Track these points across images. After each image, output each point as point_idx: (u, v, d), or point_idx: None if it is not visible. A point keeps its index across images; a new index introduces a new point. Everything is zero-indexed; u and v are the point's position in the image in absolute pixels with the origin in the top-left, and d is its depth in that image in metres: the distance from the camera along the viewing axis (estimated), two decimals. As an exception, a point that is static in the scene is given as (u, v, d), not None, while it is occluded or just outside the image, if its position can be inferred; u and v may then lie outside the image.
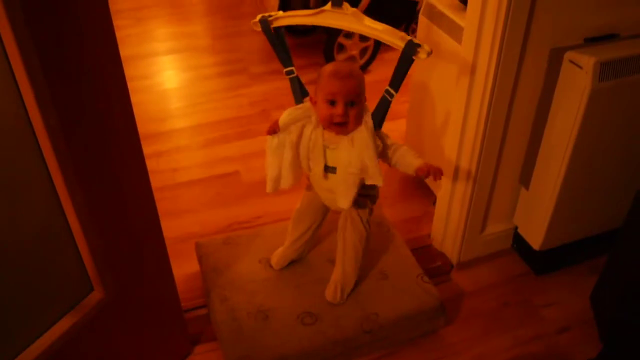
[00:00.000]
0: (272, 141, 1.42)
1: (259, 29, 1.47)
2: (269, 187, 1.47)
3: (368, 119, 1.36)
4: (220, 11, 3.86)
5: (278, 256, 1.67)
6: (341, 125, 1.34)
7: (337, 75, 1.33)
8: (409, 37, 1.33)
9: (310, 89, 1.47)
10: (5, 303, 1.06)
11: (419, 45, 1.31)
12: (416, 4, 3.09)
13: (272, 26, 1.46)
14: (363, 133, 1.34)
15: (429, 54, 1.31)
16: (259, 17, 1.47)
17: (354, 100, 1.33)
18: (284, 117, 1.40)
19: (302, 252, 1.68)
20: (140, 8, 3.89)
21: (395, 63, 1.36)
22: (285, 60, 1.47)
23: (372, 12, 2.88)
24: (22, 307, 1.10)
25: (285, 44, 1.49)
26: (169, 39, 3.52)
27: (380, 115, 1.39)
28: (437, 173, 1.34)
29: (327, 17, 1.42)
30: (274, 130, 1.40)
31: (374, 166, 1.35)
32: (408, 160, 1.39)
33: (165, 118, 2.67)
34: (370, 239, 1.56)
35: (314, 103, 1.39)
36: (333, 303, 1.57)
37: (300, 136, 1.40)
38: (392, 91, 1.37)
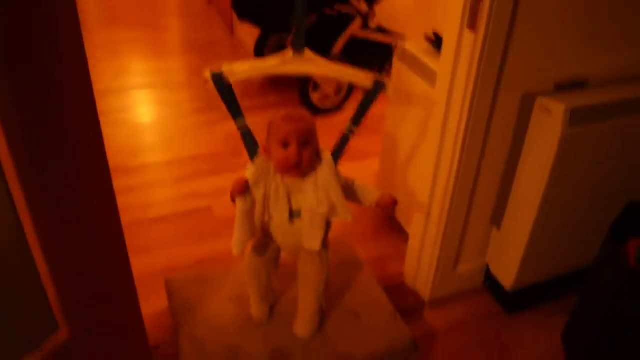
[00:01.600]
0: (244, 204, 1.35)
1: (209, 84, 1.38)
2: (237, 250, 1.41)
3: (328, 157, 1.37)
4: (197, 50, 3.90)
5: (257, 314, 1.60)
6: (297, 167, 1.33)
7: (289, 118, 1.33)
8: (374, 76, 1.41)
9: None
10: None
11: (383, 85, 1.40)
12: (391, 47, 3.15)
13: (229, 81, 1.38)
14: (325, 171, 1.35)
15: (393, 91, 1.41)
16: (207, 72, 1.37)
17: (307, 140, 1.32)
18: (251, 174, 1.35)
19: (273, 296, 1.64)
20: (116, 42, 3.91)
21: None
22: (237, 113, 1.42)
23: (347, 54, 2.94)
24: (-17, 345, 1.06)
25: (234, 95, 1.40)
26: (145, 74, 3.52)
27: (340, 151, 1.44)
28: (395, 203, 1.41)
29: (290, 66, 1.41)
30: (243, 190, 1.34)
31: (341, 203, 1.36)
32: (367, 193, 1.43)
33: (137, 152, 2.65)
34: (328, 270, 1.52)
35: (267, 152, 1.37)
36: (303, 338, 1.55)
37: (266, 190, 1.37)
38: (353, 128, 1.43)
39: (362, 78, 1.41)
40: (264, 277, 1.57)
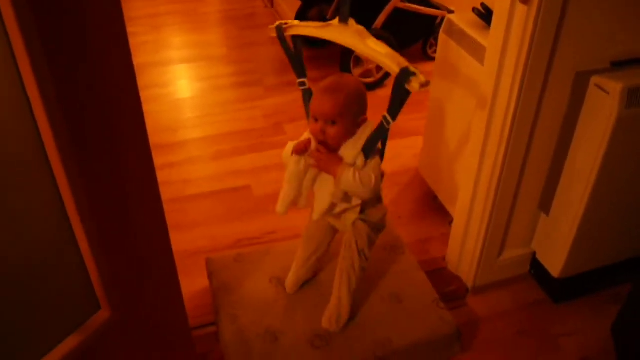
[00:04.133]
0: (299, 163, 1.34)
1: (275, 35, 1.45)
2: (281, 208, 1.39)
3: (357, 157, 1.32)
4: (236, 21, 3.85)
5: (290, 280, 1.63)
6: (323, 143, 1.33)
7: (325, 90, 1.32)
8: (406, 64, 1.24)
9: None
10: (10, 321, 1.03)
11: (413, 74, 1.21)
12: (435, 18, 3.06)
13: (286, 34, 1.43)
14: (349, 154, 1.32)
15: (423, 85, 1.21)
16: (276, 23, 1.45)
17: (335, 118, 1.29)
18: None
19: (314, 271, 1.64)
20: (155, 15, 3.90)
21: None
22: (299, 71, 1.45)
23: (390, 26, 2.86)
24: (27, 326, 1.07)
25: (301, 55, 1.45)
26: (184, 47, 3.51)
27: (373, 143, 1.32)
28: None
29: (332, 32, 1.37)
30: (302, 151, 1.33)
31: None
32: None
33: (177, 128, 2.65)
34: (365, 270, 1.51)
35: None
36: (329, 330, 1.53)
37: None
38: (389, 118, 1.28)
39: (389, 64, 1.27)
40: (312, 245, 1.58)
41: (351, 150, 1.32)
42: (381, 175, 1.37)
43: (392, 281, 1.67)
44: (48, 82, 0.89)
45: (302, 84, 1.45)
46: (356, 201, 1.37)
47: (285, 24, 1.43)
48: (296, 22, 1.43)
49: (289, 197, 1.38)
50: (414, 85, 1.21)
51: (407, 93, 1.24)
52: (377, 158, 1.35)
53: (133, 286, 1.26)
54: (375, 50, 1.31)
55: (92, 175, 1.04)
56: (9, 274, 0.99)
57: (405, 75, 1.22)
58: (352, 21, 1.36)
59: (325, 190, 1.37)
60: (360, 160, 1.31)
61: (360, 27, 1.36)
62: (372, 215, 1.43)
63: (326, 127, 1.30)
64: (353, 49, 1.37)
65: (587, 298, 1.79)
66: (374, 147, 1.33)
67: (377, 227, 1.46)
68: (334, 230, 1.55)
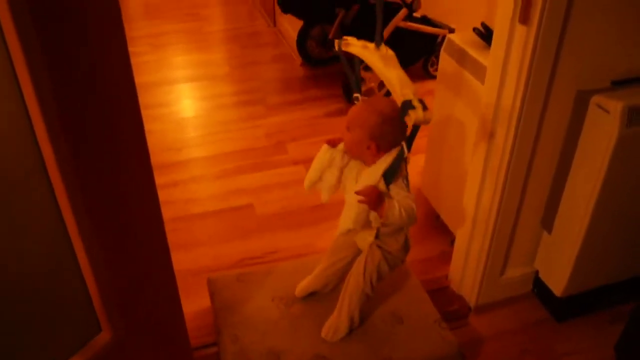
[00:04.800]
0: (324, 153, 1.43)
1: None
2: (305, 185, 1.48)
3: (377, 170, 1.34)
4: (239, 40, 3.88)
5: (302, 284, 1.66)
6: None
7: (361, 103, 1.41)
8: (410, 97, 1.24)
9: (332, 120, 1.46)
10: (10, 342, 1.02)
11: (411, 107, 1.23)
12: (436, 37, 3.08)
13: (340, 48, 1.47)
14: (368, 177, 1.34)
15: (422, 122, 1.22)
16: (337, 41, 1.50)
17: (350, 125, 1.36)
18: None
19: (326, 283, 1.64)
20: (158, 35, 3.93)
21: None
22: (355, 86, 1.48)
23: (392, 44, 2.87)
24: (28, 347, 1.07)
25: (355, 65, 1.50)
26: (187, 67, 3.54)
27: (392, 169, 1.33)
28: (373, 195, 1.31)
29: (370, 56, 1.41)
30: (335, 143, 1.42)
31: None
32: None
33: (181, 147, 2.66)
34: (369, 297, 1.52)
35: None
36: (325, 340, 1.55)
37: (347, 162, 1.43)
38: (404, 147, 1.31)
39: (397, 94, 1.29)
40: (336, 256, 1.59)
41: (371, 174, 1.35)
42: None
43: (394, 300, 1.66)
44: (49, 96, 0.89)
45: (356, 98, 1.46)
46: (375, 224, 1.40)
47: (345, 39, 1.47)
48: (350, 38, 1.47)
49: (311, 177, 1.46)
50: (410, 119, 1.23)
51: (416, 128, 1.27)
52: (402, 183, 1.35)
53: (134, 307, 1.25)
54: (388, 78, 1.34)
55: (92, 192, 1.04)
56: (8, 295, 0.99)
57: (405, 107, 1.25)
58: (384, 46, 1.41)
59: (351, 209, 1.39)
60: (381, 185, 1.33)
61: (390, 53, 1.39)
62: (388, 244, 1.44)
63: (345, 131, 1.37)
64: (376, 72, 1.41)
65: (590, 317, 1.78)
66: (394, 174, 1.33)
67: (392, 259, 1.46)
68: (359, 250, 1.55)
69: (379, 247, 1.44)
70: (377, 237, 1.44)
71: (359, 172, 1.40)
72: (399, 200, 1.30)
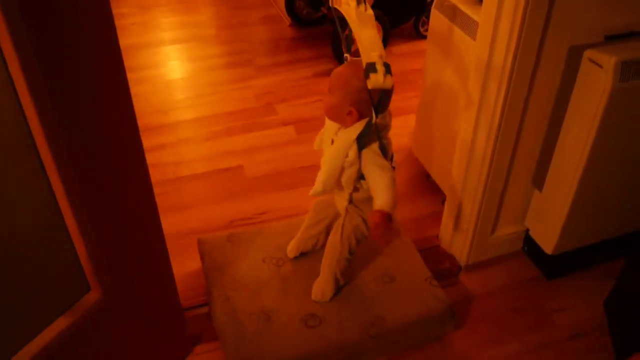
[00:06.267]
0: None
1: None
2: (315, 145, 1.51)
3: (350, 135, 1.32)
4: (226, 1, 3.80)
5: (291, 244, 1.66)
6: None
7: (345, 65, 1.39)
8: (374, 60, 1.18)
9: (322, 81, 1.44)
10: (-1, 303, 1.02)
11: (373, 70, 1.17)
12: (427, -4, 3.03)
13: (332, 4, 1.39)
14: (342, 139, 1.34)
15: (380, 86, 1.18)
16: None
17: (331, 89, 1.36)
18: None
19: (313, 244, 1.64)
20: (143, -5, 3.84)
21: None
22: (346, 46, 1.45)
23: (382, 4, 2.83)
24: (16, 307, 1.06)
25: (349, 31, 1.43)
26: (174, 29, 3.46)
27: (363, 134, 1.31)
28: (384, 224, 1.27)
29: (349, 11, 1.33)
30: None
31: (323, 171, 1.37)
32: (375, 194, 1.32)
33: (168, 110, 2.62)
34: (349, 261, 1.53)
35: None
36: (315, 301, 1.55)
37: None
38: (374, 115, 1.28)
39: (364, 55, 1.22)
40: (320, 214, 1.59)
41: (345, 137, 1.33)
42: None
43: (385, 260, 1.66)
44: (33, 64, 0.87)
45: (346, 59, 1.42)
46: (347, 190, 1.40)
47: None
48: None
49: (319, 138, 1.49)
50: (370, 82, 1.18)
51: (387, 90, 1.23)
52: (376, 148, 1.34)
53: (124, 267, 1.25)
54: (360, 36, 1.26)
55: (80, 155, 1.03)
56: (-4, 255, 0.98)
57: (366, 70, 1.19)
58: (363, 4, 1.32)
59: (322, 172, 1.38)
60: (352, 151, 1.32)
61: (369, 12, 1.31)
62: (363, 210, 1.44)
63: (326, 92, 1.37)
64: (352, 29, 1.35)
65: (580, 274, 1.79)
66: (367, 140, 1.32)
67: (368, 225, 1.45)
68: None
69: (355, 211, 1.44)
70: (350, 202, 1.43)
71: (337, 135, 1.38)
72: (378, 181, 1.31)
